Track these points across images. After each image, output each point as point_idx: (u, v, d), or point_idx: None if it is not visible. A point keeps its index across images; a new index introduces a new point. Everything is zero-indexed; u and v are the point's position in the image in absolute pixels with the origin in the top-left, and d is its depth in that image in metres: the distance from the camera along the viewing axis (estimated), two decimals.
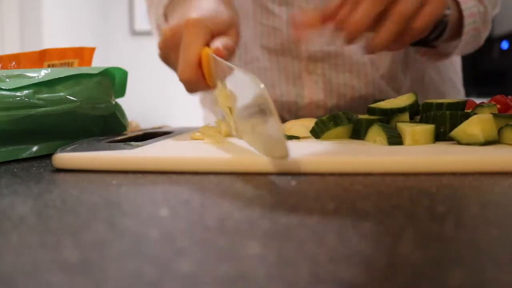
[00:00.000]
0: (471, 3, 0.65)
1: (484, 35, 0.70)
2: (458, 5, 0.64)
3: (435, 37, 0.63)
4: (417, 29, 0.53)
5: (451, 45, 0.68)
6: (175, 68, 0.55)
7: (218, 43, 0.50)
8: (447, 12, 0.60)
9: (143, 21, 3.39)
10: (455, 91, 0.83)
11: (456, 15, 0.64)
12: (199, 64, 0.50)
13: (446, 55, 0.71)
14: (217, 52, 0.48)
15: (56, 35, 2.77)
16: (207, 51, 0.49)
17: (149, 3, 0.75)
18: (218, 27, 0.53)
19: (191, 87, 0.53)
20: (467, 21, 0.64)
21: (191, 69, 0.50)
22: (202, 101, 0.92)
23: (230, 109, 0.43)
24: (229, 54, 0.50)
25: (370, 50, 0.55)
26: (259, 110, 0.35)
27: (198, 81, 0.51)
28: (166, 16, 0.69)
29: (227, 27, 0.54)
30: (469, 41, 0.68)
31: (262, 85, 0.34)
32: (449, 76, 0.82)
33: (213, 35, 0.52)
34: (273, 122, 0.32)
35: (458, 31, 0.66)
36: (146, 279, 0.16)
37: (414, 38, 0.55)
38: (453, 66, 0.83)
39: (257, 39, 0.76)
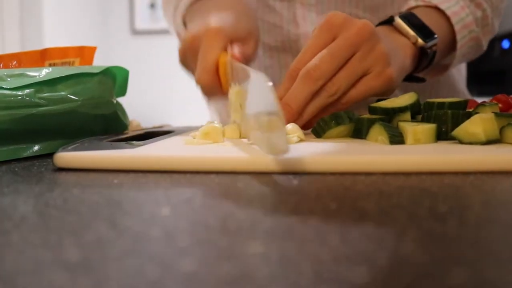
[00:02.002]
0: (463, 13, 0.62)
1: (487, 39, 0.68)
2: (448, 19, 0.62)
3: (423, 68, 0.60)
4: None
5: (447, 59, 0.66)
6: (193, 72, 0.57)
7: (236, 49, 0.51)
8: (432, 42, 0.57)
9: (143, 20, 3.39)
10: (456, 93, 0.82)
11: (447, 30, 0.62)
12: (216, 70, 0.51)
13: (443, 69, 0.69)
14: (233, 57, 0.49)
15: (56, 35, 2.77)
16: (224, 57, 0.50)
17: (164, 7, 0.76)
18: (237, 35, 0.54)
19: (207, 91, 0.54)
20: (460, 35, 0.62)
21: (208, 74, 0.51)
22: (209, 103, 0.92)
23: (240, 105, 0.45)
24: (245, 61, 0.51)
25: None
26: (264, 106, 0.36)
27: (214, 86, 0.52)
28: (185, 23, 0.70)
29: (245, 37, 0.55)
30: (466, 52, 0.66)
31: (270, 83, 0.35)
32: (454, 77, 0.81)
33: (232, 43, 0.53)
34: (276, 117, 0.33)
35: (453, 45, 0.64)
36: (148, 278, 0.16)
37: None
38: (457, 69, 0.82)
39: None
